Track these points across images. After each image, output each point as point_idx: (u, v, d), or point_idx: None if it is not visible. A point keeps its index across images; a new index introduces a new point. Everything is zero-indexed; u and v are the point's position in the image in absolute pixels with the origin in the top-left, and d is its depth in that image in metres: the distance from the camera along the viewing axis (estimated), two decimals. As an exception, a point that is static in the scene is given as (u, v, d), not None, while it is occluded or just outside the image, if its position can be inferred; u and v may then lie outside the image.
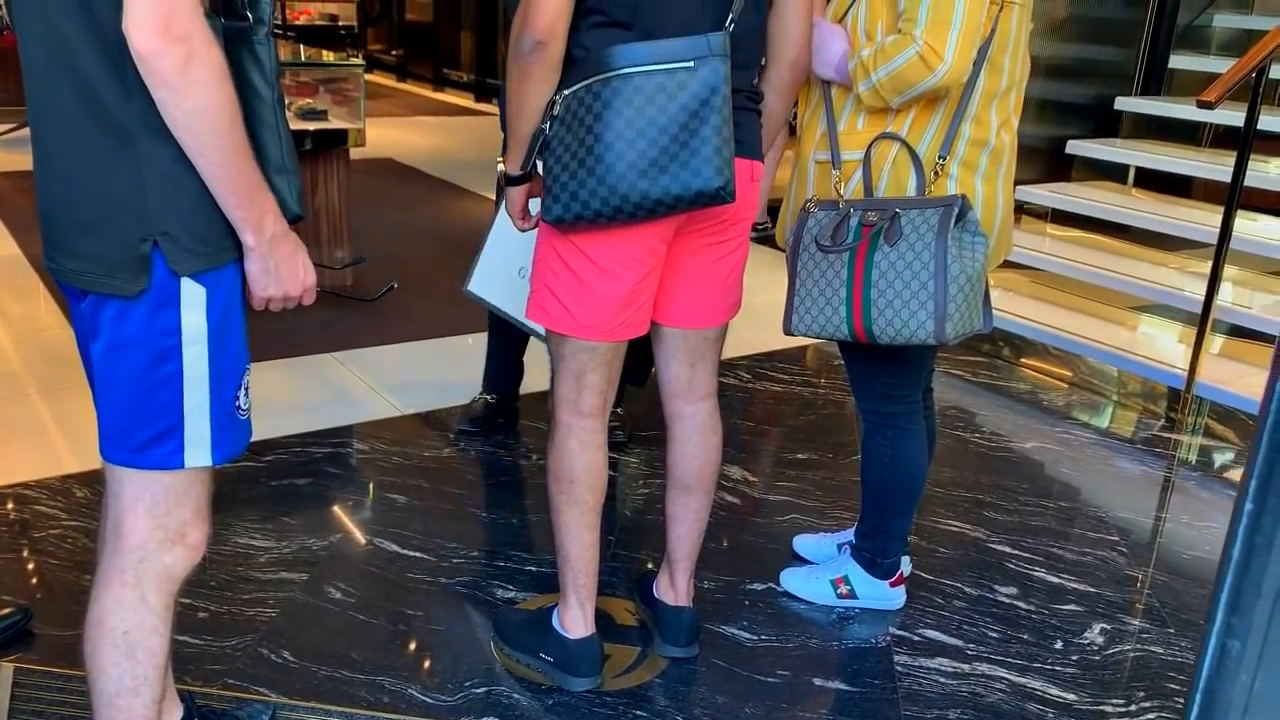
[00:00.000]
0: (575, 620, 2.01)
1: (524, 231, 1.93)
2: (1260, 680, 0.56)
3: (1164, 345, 3.99)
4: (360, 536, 2.52)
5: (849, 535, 2.42)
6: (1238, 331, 3.87)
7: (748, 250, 1.99)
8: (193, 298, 1.28)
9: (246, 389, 1.39)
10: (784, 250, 2.06)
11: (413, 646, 2.12)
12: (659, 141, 1.65)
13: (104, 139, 1.20)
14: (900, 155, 1.92)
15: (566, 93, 1.69)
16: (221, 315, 1.31)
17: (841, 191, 1.95)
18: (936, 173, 1.90)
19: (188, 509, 1.38)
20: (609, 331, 1.85)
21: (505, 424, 3.13)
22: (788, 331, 2.00)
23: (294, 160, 1.33)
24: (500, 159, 1.90)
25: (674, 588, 2.13)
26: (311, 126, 3.86)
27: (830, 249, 1.90)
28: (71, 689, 1.89)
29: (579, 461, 1.93)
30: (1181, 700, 2.10)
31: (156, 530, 1.36)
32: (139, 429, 1.31)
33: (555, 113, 1.71)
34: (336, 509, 2.64)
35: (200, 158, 1.20)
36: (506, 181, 1.85)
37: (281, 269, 1.31)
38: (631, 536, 2.59)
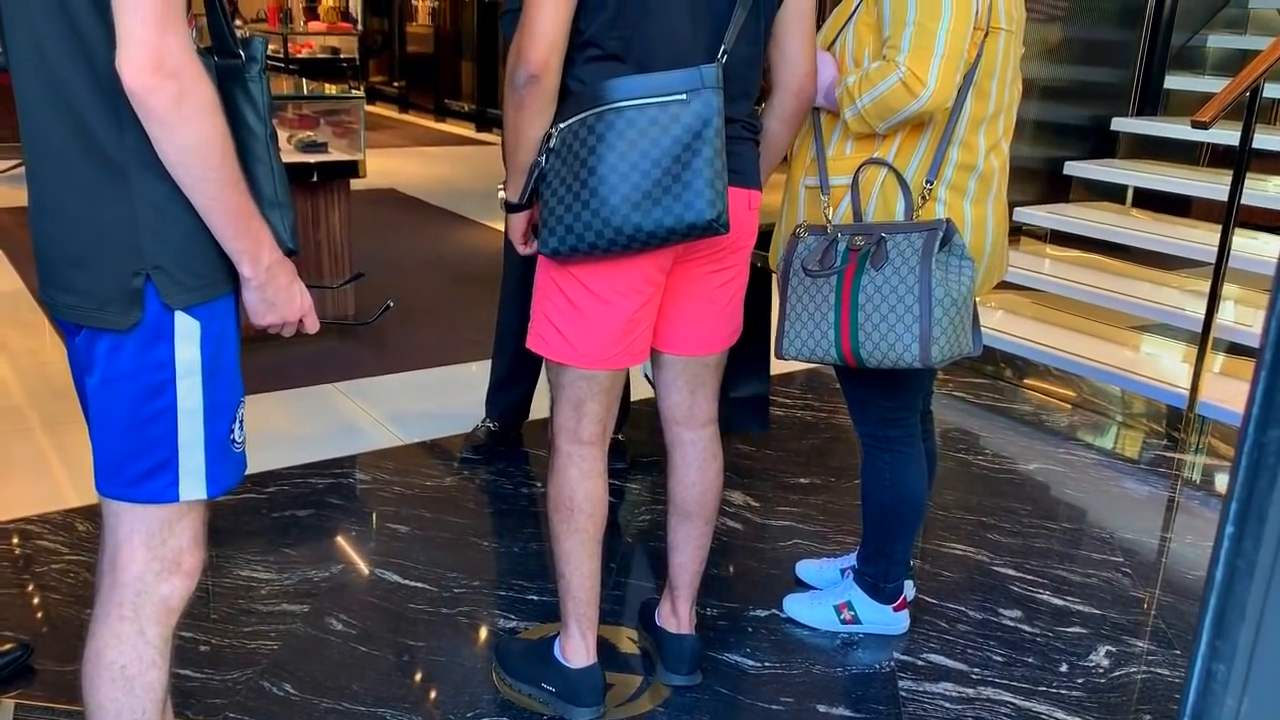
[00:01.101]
0: (577, 649, 2.00)
1: (525, 255, 1.94)
2: (1246, 704, 0.56)
3: (1166, 365, 3.99)
4: (362, 567, 2.52)
5: (852, 560, 2.41)
6: (1239, 350, 3.87)
7: (747, 277, 2.00)
8: (186, 331, 1.29)
9: (241, 421, 1.40)
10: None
11: (414, 677, 2.12)
12: (652, 174, 1.66)
13: (97, 173, 1.22)
14: (888, 180, 1.93)
15: (562, 126, 1.71)
16: (215, 348, 1.32)
17: (830, 216, 1.96)
18: (924, 197, 1.91)
19: (184, 537, 1.38)
20: (608, 360, 1.85)
21: (507, 451, 3.13)
22: (780, 356, 2.01)
23: (287, 195, 1.35)
24: (501, 186, 1.92)
25: (676, 615, 2.12)
26: (312, 159, 3.89)
27: (817, 273, 1.91)
28: (72, 725, 1.89)
29: (579, 490, 1.93)
30: (1188, 723, 2.08)
31: (153, 561, 1.36)
32: (134, 462, 1.32)
33: (551, 145, 1.72)
34: (338, 540, 2.64)
35: (194, 192, 1.21)
36: (507, 209, 1.87)
37: (279, 297, 1.32)
38: (633, 564, 2.59)
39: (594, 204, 1.68)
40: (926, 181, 1.91)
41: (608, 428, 1.95)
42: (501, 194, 1.92)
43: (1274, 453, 0.50)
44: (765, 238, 2.20)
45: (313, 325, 1.39)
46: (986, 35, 1.90)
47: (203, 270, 1.27)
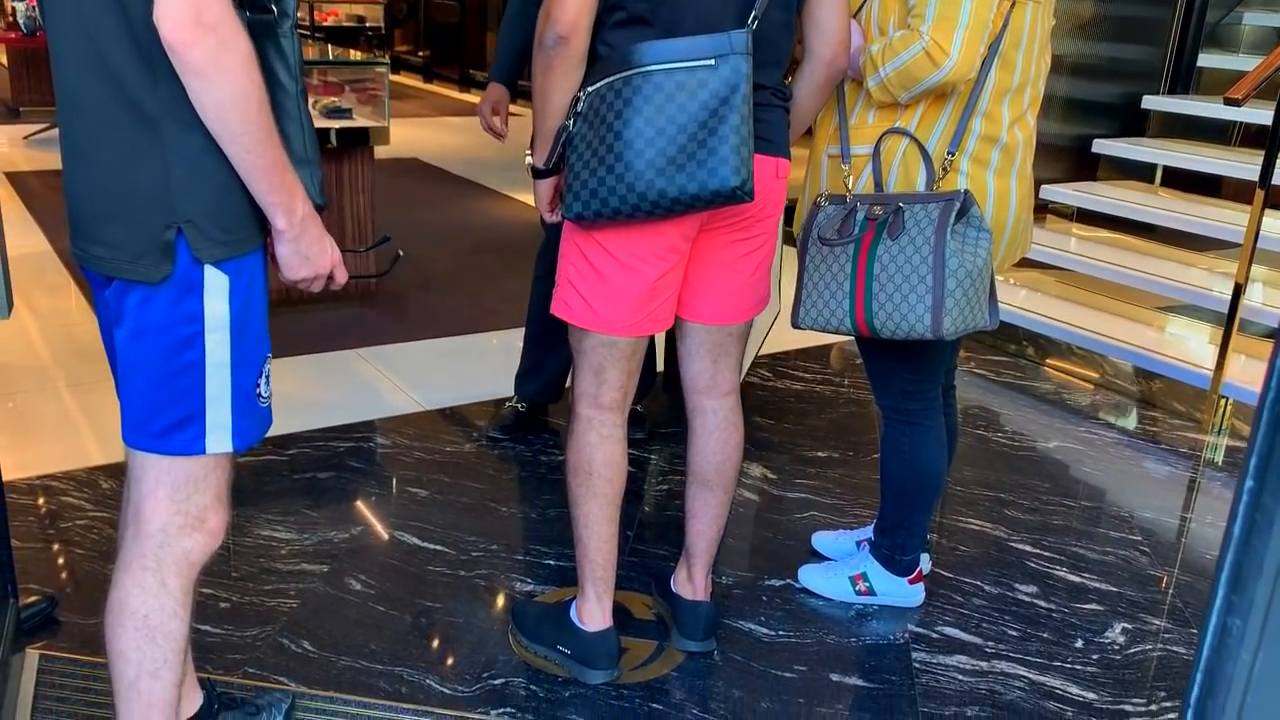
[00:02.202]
0: (593, 613, 2.02)
1: (552, 223, 1.94)
2: (1261, 658, 0.56)
3: (1191, 345, 3.96)
4: (381, 529, 2.54)
5: (868, 532, 2.41)
6: (1266, 332, 3.83)
7: (774, 247, 1.99)
8: (216, 285, 1.30)
9: (268, 377, 1.41)
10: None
11: (431, 638, 2.14)
12: (678, 140, 1.66)
13: (131, 128, 1.23)
14: (910, 150, 1.92)
15: (590, 90, 1.70)
16: (243, 302, 1.33)
17: (851, 186, 1.95)
18: (945, 168, 1.90)
19: (208, 495, 1.40)
20: (630, 327, 1.85)
21: (534, 429, 3.13)
22: (795, 325, 2.00)
23: (316, 152, 1.36)
24: (529, 152, 1.92)
25: (692, 582, 2.13)
26: (336, 124, 3.89)
27: (834, 241, 1.90)
28: (95, 675, 1.92)
29: (598, 454, 1.93)
30: (1203, 700, 2.08)
31: (177, 515, 1.38)
32: (161, 415, 1.33)
33: (579, 109, 1.72)
34: (358, 502, 2.66)
35: (231, 144, 1.22)
36: (534, 175, 1.87)
37: (312, 249, 1.33)
38: (650, 532, 2.60)
39: (619, 168, 1.67)
40: (948, 152, 1.90)
41: (628, 394, 1.96)
42: (529, 160, 1.92)
43: (1296, 406, 0.50)
44: (791, 211, 2.21)
45: (342, 277, 1.40)
46: (1014, 6, 1.88)
47: (233, 225, 1.28)
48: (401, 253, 3.91)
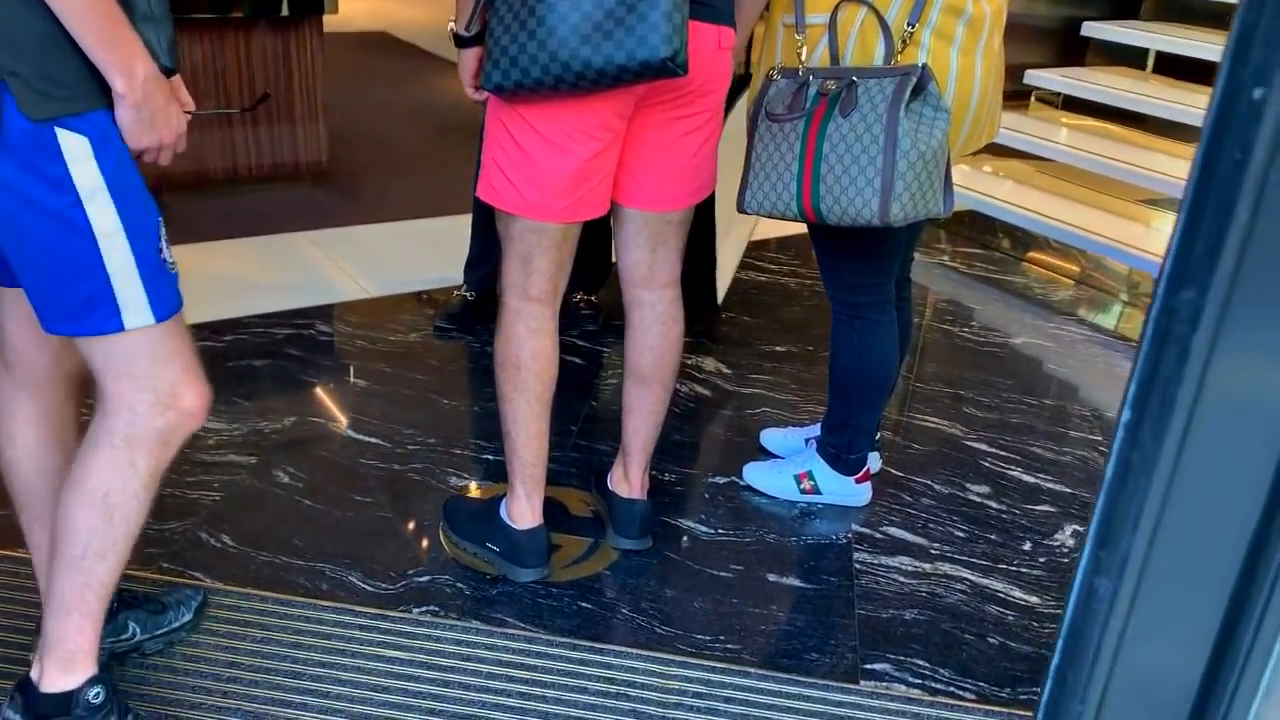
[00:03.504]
0: (522, 511, 1.94)
1: (476, 102, 1.80)
2: (1133, 625, 0.46)
3: (1171, 240, 3.83)
4: (315, 421, 2.45)
5: (816, 430, 2.33)
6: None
7: (719, 126, 1.85)
8: (76, 150, 1.20)
9: (167, 241, 1.32)
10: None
11: (358, 533, 2.07)
12: (604, 3, 1.51)
13: None
14: (868, 20, 1.76)
15: None
16: (115, 165, 1.23)
17: (804, 58, 1.80)
18: (905, 41, 1.74)
19: (173, 369, 1.33)
20: (559, 212, 1.73)
21: (484, 318, 3.01)
22: (740, 209, 1.87)
23: (164, 8, 1.22)
24: (452, 19, 1.76)
25: (628, 480, 2.06)
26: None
27: (783, 118, 1.75)
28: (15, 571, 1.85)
29: (525, 348, 1.83)
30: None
31: (144, 393, 1.32)
32: (68, 295, 1.25)
33: None
34: (294, 392, 2.57)
35: None
36: (457, 43, 1.73)
37: (157, 117, 1.23)
38: (596, 427, 2.51)
39: (540, 34, 1.53)
40: (908, 24, 1.74)
41: (559, 285, 1.84)
42: (451, 26, 1.76)
43: (1186, 320, 0.39)
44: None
45: (180, 146, 1.30)
46: None
47: (64, 79, 1.17)
48: (269, 93, 3.67)
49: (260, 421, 2.41)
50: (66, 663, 1.41)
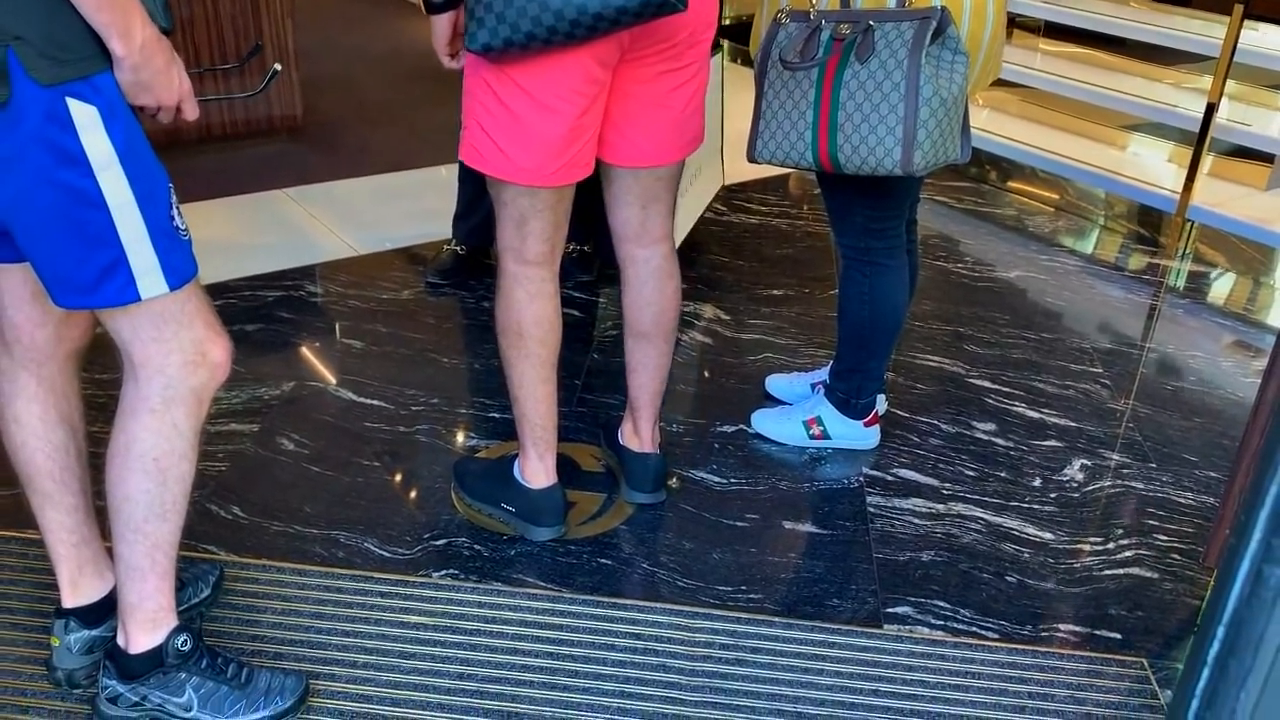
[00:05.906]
0: (535, 471, 1.93)
1: (451, 70, 1.72)
2: (1300, 611, 0.45)
3: (1155, 166, 3.83)
4: (315, 384, 2.41)
5: (823, 374, 2.32)
6: (1232, 151, 3.70)
7: (707, 77, 1.79)
8: (87, 120, 1.17)
9: (178, 208, 1.30)
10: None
11: (369, 499, 2.04)
12: None
13: None
14: (881, -42, 1.71)
15: None
16: (125, 133, 1.20)
17: (814, 1, 1.75)
18: (919, -22, 1.69)
19: (197, 327, 1.34)
20: (551, 176, 1.66)
21: (476, 272, 2.96)
22: (751, 159, 1.83)
23: None
24: None
25: (638, 435, 2.04)
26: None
27: (796, 65, 1.71)
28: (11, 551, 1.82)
29: (527, 313, 1.79)
30: (1162, 537, 2.06)
31: (173, 354, 1.33)
32: (82, 268, 1.24)
33: None
34: (289, 356, 2.52)
35: None
36: (428, 9, 1.63)
37: (156, 80, 1.20)
38: (600, 380, 2.49)
39: None
40: (920, -39, 1.69)
41: (557, 245, 1.79)
42: None
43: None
44: (746, 30, 2.00)
45: (192, 112, 1.28)
46: None
47: (69, 42, 1.13)
48: (278, 67, 3.60)
49: (259, 388, 2.36)
50: (150, 623, 1.46)
